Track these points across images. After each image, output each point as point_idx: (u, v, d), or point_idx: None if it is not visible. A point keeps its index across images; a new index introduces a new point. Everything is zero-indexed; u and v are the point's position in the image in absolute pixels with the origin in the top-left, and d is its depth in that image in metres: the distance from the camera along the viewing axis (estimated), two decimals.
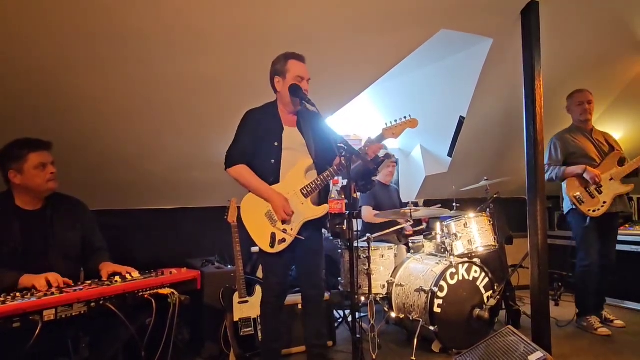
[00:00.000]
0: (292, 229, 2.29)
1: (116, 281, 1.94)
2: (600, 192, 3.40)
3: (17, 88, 2.56)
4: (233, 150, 2.36)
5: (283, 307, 2.49)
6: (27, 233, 2.07)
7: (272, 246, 2.29)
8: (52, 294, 1.70)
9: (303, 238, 2.31)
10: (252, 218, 2.35)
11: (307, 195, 2.31)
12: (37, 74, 2.51)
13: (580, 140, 3.53)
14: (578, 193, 3.44)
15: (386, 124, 2.28)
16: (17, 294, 1.68)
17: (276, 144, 2.33)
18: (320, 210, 2.32)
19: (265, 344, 2.48)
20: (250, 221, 2.35)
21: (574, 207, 3.45)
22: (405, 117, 2.29)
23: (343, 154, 2.06)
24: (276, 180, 2.32)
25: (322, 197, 2.38)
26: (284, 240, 2.29)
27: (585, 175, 3.37)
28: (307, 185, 2.30)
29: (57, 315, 1.62)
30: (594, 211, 3.38)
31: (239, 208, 2.97)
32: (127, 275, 2.03)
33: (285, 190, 2.31)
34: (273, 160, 2.32)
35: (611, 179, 3.41)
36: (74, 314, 1.67)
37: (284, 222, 2.29)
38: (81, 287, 1.82)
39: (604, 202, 3.38)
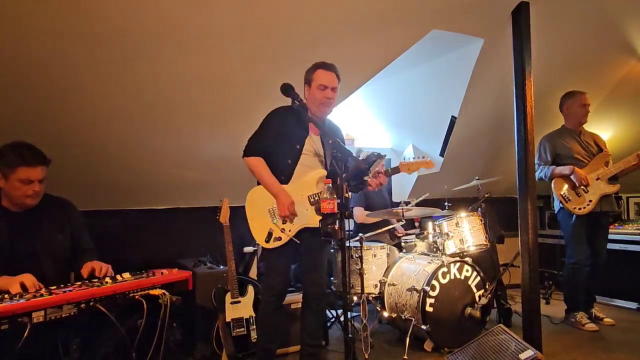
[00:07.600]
0: (290, 230, 2.34)
1: (106, 282, 1.92)
2: (586, 192, 3.44)
3: (11, 86, 2.53)
4: (255, 141, 2.40)
5: (281, 307, 2.49)
6: (15, 234, 2.04)
7: (267, 241, 2.33)
8: (42, 295, 1.68)
9: (298, 242, 2.35)
10: (254, 210, 2.39)
11: (313, 204, 2.36)
12: (33, 71, 2.48)
13: (568, 142, 3.58)
14: (565, 191, 3.49)
15: (404, 158, 2.52)
16: (6, 296, 1.66)
17: (298, 146, 2.38)
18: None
19: (260, 344, 2.48)
20: (253, 213, 2.40)
21: (562, 205, 3.50)
22: (422, 157, 2.54)
23: (335, 152, 2.08)
24: (286, 181, 2.36)
25: None
26: (279, 238, 2.33)
27: (572, 177, 3.42)
28: (315, 194, 2.36)
29: (46, 316, 1.60)
30: (579, 209, 3.43)
31: (231, 208, 2.98)
32: (118, 276, 2.01)
33: (294, 193, 2.34)
34: (290, 161, 2.37)
35: (598, 179, 3.46)
36: (63, 316, 1.65)
37: (284, 221, 2.33)
38: (71, 289, 1.80)
39: (590, 201, 3.43)
